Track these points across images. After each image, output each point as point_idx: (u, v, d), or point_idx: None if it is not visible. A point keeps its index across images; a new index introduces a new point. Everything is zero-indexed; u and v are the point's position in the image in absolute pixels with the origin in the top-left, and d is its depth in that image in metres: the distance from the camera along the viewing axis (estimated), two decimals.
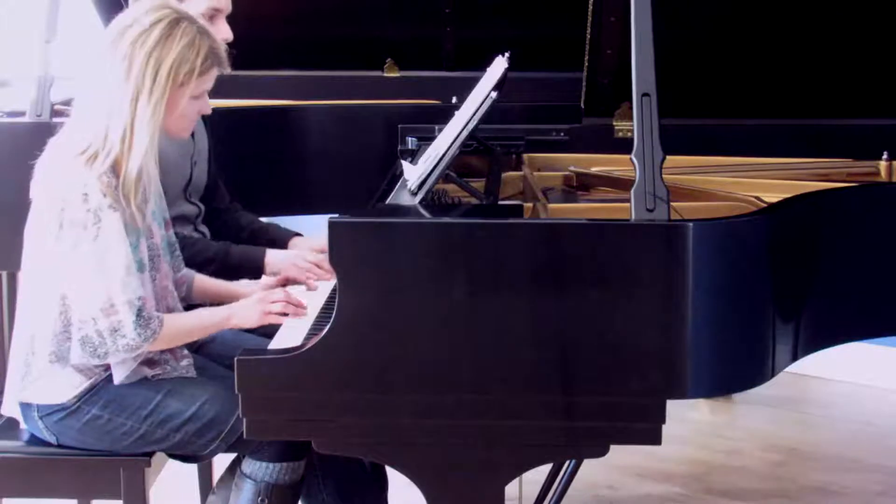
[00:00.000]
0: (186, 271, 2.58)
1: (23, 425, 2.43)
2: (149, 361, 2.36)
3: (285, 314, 2.38)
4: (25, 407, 2.38)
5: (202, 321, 2.40)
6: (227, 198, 3.02)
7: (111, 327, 2.23)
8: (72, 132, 2.31)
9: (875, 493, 3.53)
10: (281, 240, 2.92)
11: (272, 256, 2.77)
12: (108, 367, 2.34)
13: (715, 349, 2.17)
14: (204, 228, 2.92)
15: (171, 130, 2.38)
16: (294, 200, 3.66)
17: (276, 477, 2.39)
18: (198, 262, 2.70)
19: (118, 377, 2.32)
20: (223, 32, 2.73)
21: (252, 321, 2.38)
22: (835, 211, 2.51)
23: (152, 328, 2.26)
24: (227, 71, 2.39)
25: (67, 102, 3.21)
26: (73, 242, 2.23)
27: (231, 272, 2.75)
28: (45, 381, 2.33)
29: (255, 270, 2.78)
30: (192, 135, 2.80)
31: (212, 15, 2.70)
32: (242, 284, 2.66)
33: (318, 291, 2.63)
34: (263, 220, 3.06)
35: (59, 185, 2.25)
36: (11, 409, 2.43)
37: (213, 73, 2.35)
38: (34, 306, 2.32)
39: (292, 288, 2.59)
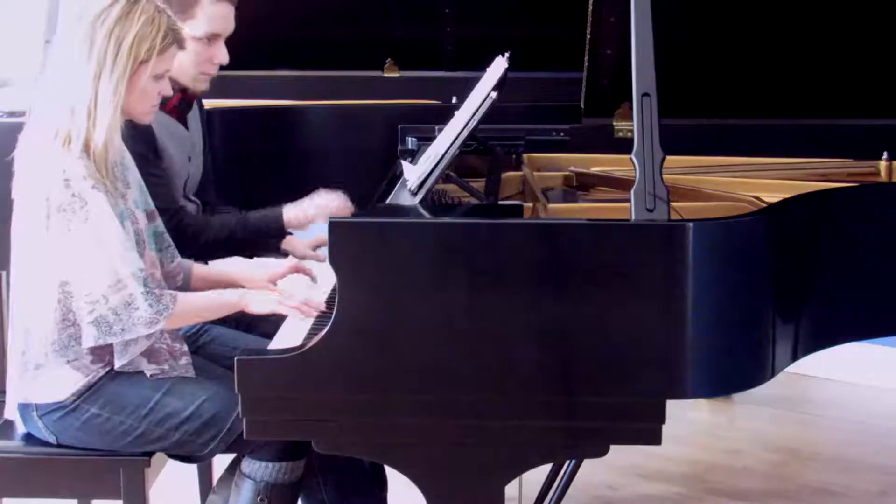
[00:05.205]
0: (181, 261, 2.56)
1: (21, 428, 2.43)
2: (147, 353, 2.35)
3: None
4: (24, 406, 2.38)
5: (215, 301, 2.39)
6: (214, 193, 3.02)
7: (124, 302, 2.23)
8: (39, 120, 2.31)
9: (875, 493, 3.52)
10: (268, 225, 2.91)
11: (289, 213, 2.79)
12: (106, 365, 2.34)
13: (715, 349, 2.17)
14: None
15: (134, 112, 2.37)
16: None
17: (276, 476, 2.39)
18: (222, 237, 2.74)
19: (119, 362, 2.31)
20: (221, 56, 2.73)
21: (264, 310, 2.37)
22: (835, 211, 2.51)
23: (164, 303, 2.26)
24: (184, 50, 2.41)
25: None
26: (64, 227, 2.23)
27: (253, 237, 2.79)
28: (44, 378, 2.32)
29: (277, 230, 2.81)
30: (187, 129, 2.81)
31: (210, 38, 2.70)
32: (250, 265, 2.70)
33: (318, 290, 2.63)
34: None
35: (40, 174, 2.25)
36: (12, 412, 2.42)
37: (173, 52, 2.36)
38: (29, 300, 2.32)
39: (297, 279, 2.59)
